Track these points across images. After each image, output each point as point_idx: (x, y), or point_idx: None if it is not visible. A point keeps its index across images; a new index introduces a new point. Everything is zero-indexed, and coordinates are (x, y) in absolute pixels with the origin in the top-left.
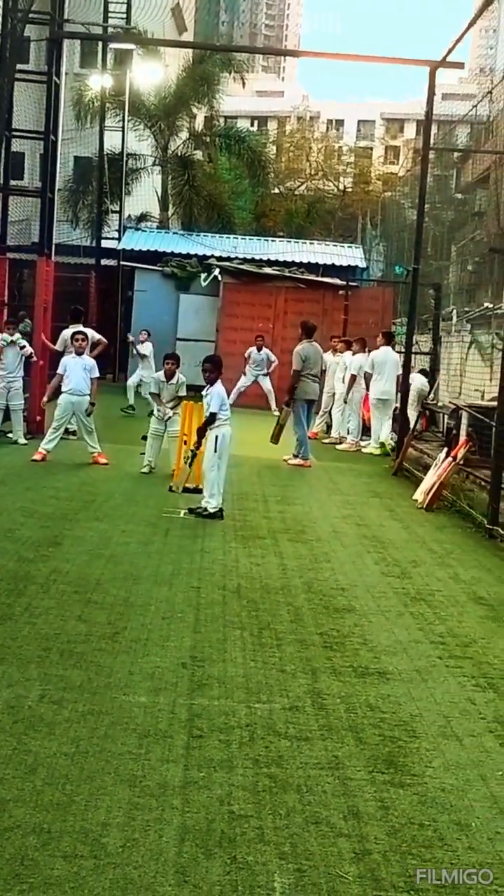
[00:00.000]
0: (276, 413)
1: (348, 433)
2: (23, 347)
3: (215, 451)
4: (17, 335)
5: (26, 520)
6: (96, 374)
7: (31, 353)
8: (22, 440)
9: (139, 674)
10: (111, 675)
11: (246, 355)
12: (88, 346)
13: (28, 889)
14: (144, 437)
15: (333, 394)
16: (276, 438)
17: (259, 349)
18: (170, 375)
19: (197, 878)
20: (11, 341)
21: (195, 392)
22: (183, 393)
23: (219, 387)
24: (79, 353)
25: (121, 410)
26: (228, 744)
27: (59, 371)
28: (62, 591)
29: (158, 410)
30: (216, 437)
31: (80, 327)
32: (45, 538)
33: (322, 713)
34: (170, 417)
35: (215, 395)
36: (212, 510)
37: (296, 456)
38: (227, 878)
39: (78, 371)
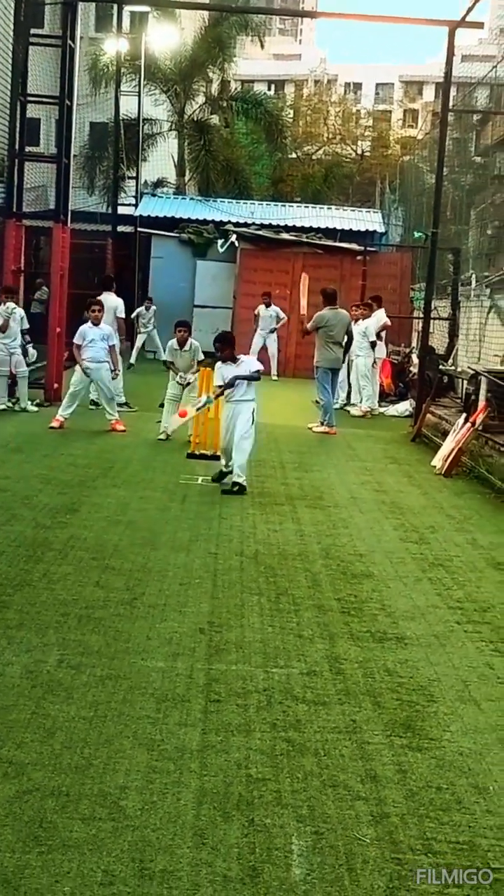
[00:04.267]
0: (276, 378)
1: (361, 400)
2: (21, 317)
3: (252, 422)
4: (11, 304)
5: (44, 487)
6: (114, 341)
7: (23, 318)
8: (31, 407)
9: (157, 639)
10: (129, 640)
11: (255, 313)
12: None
13: (47, 851)
14: (161, 405)
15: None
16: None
17: (267, 306)
18: (182, 343)
19: (215, 840)
20: (12, 311)
21: (211, 360)
22: (200, 358)
23: (247, 359)
24: (95, 323)
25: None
26: (246, 708)
27: (76, 340)
28: (80, 558)
29: (178, 377)
30: (253, 410)
31: (112, 295)
32: (62, 505)
33: (340, 678)
34: (189, 383)
35: (251, 363)
36: (244, 483)
37: (322, 423)
38: (244, 841)
39: (96, 340)
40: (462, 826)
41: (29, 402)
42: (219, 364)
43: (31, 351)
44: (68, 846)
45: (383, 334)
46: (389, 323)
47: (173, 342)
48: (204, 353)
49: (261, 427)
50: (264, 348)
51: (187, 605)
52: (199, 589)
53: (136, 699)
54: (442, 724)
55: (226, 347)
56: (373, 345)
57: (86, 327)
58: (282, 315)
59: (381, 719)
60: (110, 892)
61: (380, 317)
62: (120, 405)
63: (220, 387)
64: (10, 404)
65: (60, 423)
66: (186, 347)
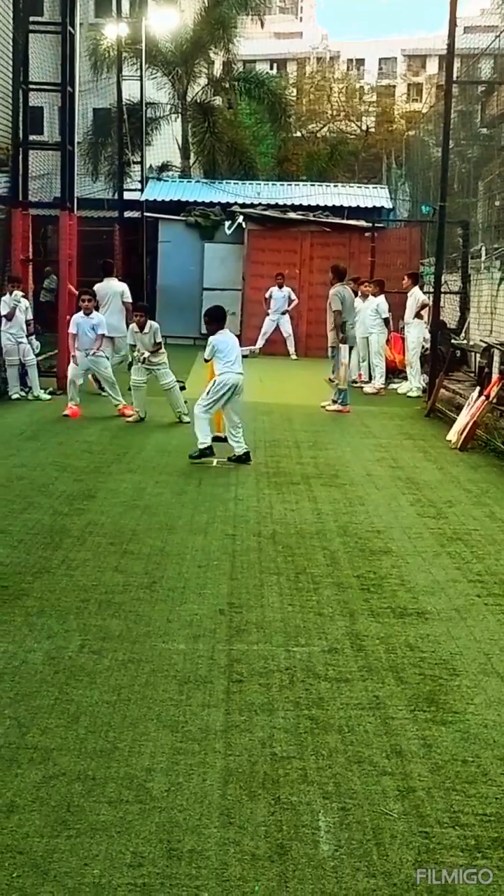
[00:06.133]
0: (295, 358)
1: (371, 377)
2: (26, 307)
3: (207, 393)
4: (17, 293)
5: (60, 474)
6: (102, 330)
7: (27, 308)
8: (44, 395)
9: (177, 622)
10: (150, 623)
11: (267, 295)
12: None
13: (75, 835)
14: (129, 389)
15: (366, 338)
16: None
17: (280, 287)
18: (142, 326)
19: (241, 819)
20: (18, 300)
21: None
22: (159, 339)
23: (218, 336)
24: (86, 313)
25: None
26: (268, 687)
27: (71, 331)
28: (98, 543)
29: (136, 358)
30: (214, 382)
31: (114, 280)
32: (79, 491)
33: (361, 654)
34: (145, 360)
35: (209, 343)
36: (200, 447)
37: (335, 402)
38: (271, 819)
39: (86, 330)
40: (489, 798)
41: (42, 391)
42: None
43: (35, 342)
44: (96, 829)
45: (424, 312)
46: (429, 301)
47: (133, 326)
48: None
49: (273, 407)
50: (277, 330)
51: (206, 587)
52: (218, 570)
53: (158, 682)
54: (465, 697)
55: (211, 322)
56: (386, 322)
57: (78, 317)
58: (293, 297)
59: (405, 694)
60: (139, 873)
61: (417, 296)
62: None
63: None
64: (22, 393)
65: (74, 410)
66: (146, 330)
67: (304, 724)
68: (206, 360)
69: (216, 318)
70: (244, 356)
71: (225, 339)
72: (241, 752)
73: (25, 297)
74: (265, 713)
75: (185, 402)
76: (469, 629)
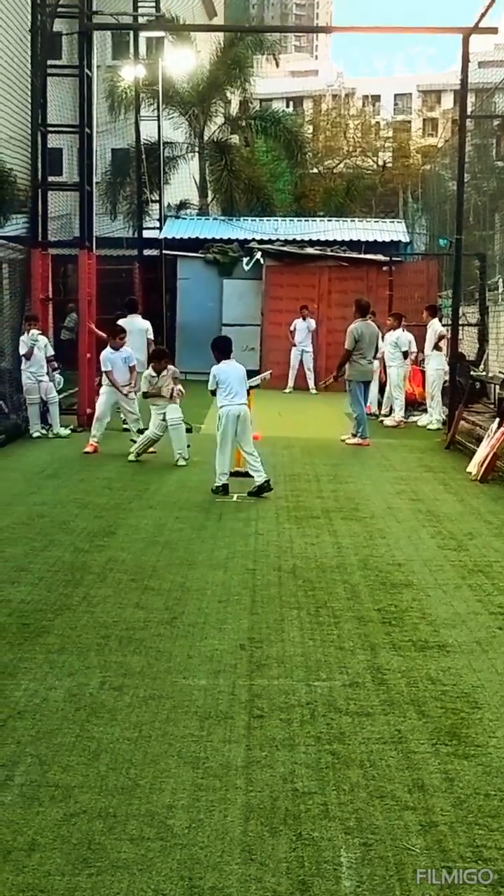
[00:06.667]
0: (315, 392)
1: (391, 410)
2: (45, 344)
3: (218, 430)
4: (35, 332)
5: (80, 511)
6: (133, 362)
7: (47, 345)
8: (63, 432)
9: (198, 657)
10: (170, 659)
11: (291, 328)
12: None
13: (96, 873)
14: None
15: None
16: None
17: (304, 318)
18: (159, 371)
19: (263, 855)
20: (36, 339)
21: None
22: (177, 375)
23: (221, 366)
24: (115, 348)
25: None
26: (289, 722)
27: (106, 369)
28: (119, 580)
29: (156, 407)
30: (218, 417)
31: (138, 317)
32: (99, 528)
33: (383, 688)
34: (167, 404)
35: (211, 374)
36: (216, 484)
37: (354, 435)
38: (293, 855)
39: (120, 365)
40: None
41: (62, 428)
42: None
43: (58, 377)
44: (117, 867)
45: (442, 344)
46: (446, 333)
47: (150, 371)
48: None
49: (293, 441)
50: (300, 362)
51: (227, 622)
52: (238, 605)
53: (179, 718)
54: (487, 730)
55: (215, 352)
56: (405, 355)
57: (108, 352)
58: (312, 326)
59: (426, 728)
60: None
61: (435, 327)
62: (126, 429)
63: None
64: (43, 431)
65: (94, 447)
66: (164, 373)
67: (326, 759)
68: (212, 392)
69: (220, 349)
70: (255, 385)
71: (227, 370)
72: (262, 787)
73: (44, 334)
74: (286, 748)
75: (189, 445)
76: (491, 662)
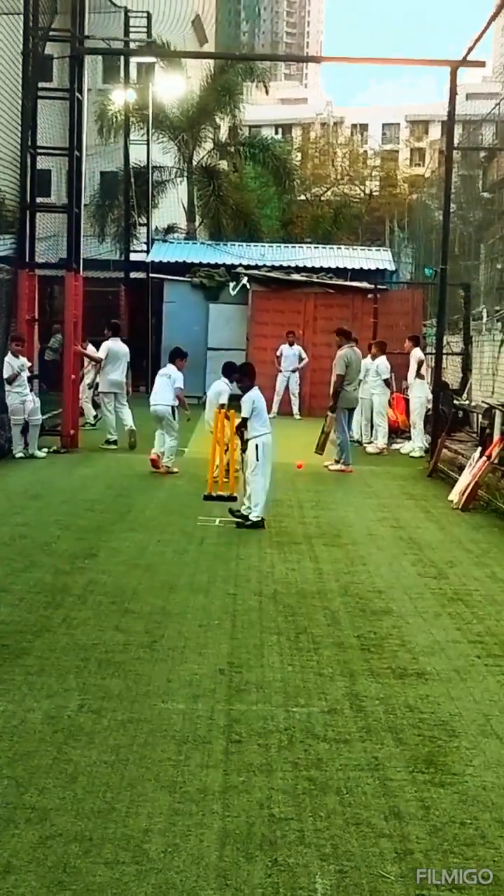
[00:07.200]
0: (299, 418)
1: (373, 437)
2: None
3: (257, 459)
4: (24, 360)
5: (62, 532)
6: (180, 384)
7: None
8: (40, 453)
9: (177, 681)
10: (149, 683)
11: (277, 353)
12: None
13: None
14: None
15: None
16: (321, 448)
17: (291, 344)
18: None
19: (238, 881)
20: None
21: (236, 401)
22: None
23: (253, 393)
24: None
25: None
26: (267, 748)
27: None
28: (99, 602)
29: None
30: (256, 446)
31: (118, 341)
32: (81, 550)
33: (361, 715)
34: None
35: (247, 401)
36: (255, 519)
37: (337, 462)
38: (268, 881)
39: (164, 384)
40: (487, 861)
41: (38, 450)
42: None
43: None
44: (92, 891)
45: (423, 371)
46: (423, 357)
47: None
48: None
49: (276, 466)
50: (287, 388)
51: (207, 646)
52: (219, 630)
53: (157, 742)
54: (464, 758)
55: (243, 378)
56: (386, 382)
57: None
58: (304, 355)
59: (403, 755)
60: None
61: (416, 355)
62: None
63: (238, 434)
64: (27, 451)
65: (156, 459)
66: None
67: (303, 786)
68: (246, 419)
69: (249, 375)
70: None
71: (260, 397)
72: (238, 813)
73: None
74: (264, 774)
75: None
76: (469, 690)
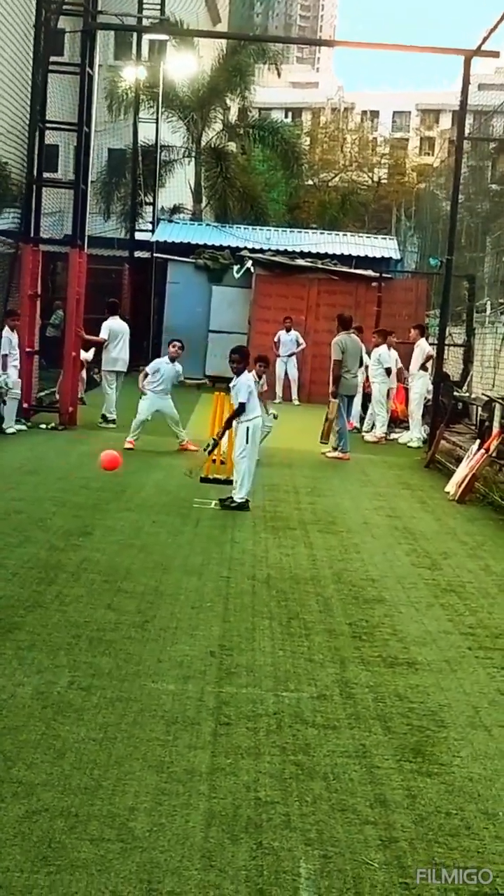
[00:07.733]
0: (297, 403)
1: (373, 426)
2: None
3: (247, 441)
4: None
5: (58, 509)
6: (181, 377)
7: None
8: (9, 430)
9: (168, 662)
10: (140, 662)
11: (275, 339)
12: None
13: (55, 871)
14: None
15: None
16: (326, 437)
17: (288, 330)
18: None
19: (223, 862)
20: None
21: (225, 384)
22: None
23: (246, 377)
24: (172, 360)
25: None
26: (256, 731)
27: (149, 370)
28: (92, 580)
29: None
30: (247, 429)
31: (117, 319)
32: (76, 528)
33: (350, 702)
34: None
35: (243, 386)
36: (238, 500)
37: (335, 449)
38: (252, 863)
39: (172, 375)
40: (471, 851)
41: (12, 425)
42: (232, 383)
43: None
44: (76, 867)
45: (428, 364)
46: (433, 353)
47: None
48: (219, 378)
49: (273, 451)
50: (285, 373)
51: (198, 628)
52: (211, 612)
53: (146, 721)
54: (452, 749)
55: (241, 361)
56: (387, 371)
57: (163, 362)
58: (301, 341)
59: (391, 744)
60: None
61: (423, 347)
62: (106, 420)
63: (226, 426)
64: (21, 426)
65: (132, 444)
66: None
67: (290, 770)
68: (242, 404)
69: (247, 358)
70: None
71: (252, 381)
72: (225, 794)
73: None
74: (251, 757)
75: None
76: (459, 681)
